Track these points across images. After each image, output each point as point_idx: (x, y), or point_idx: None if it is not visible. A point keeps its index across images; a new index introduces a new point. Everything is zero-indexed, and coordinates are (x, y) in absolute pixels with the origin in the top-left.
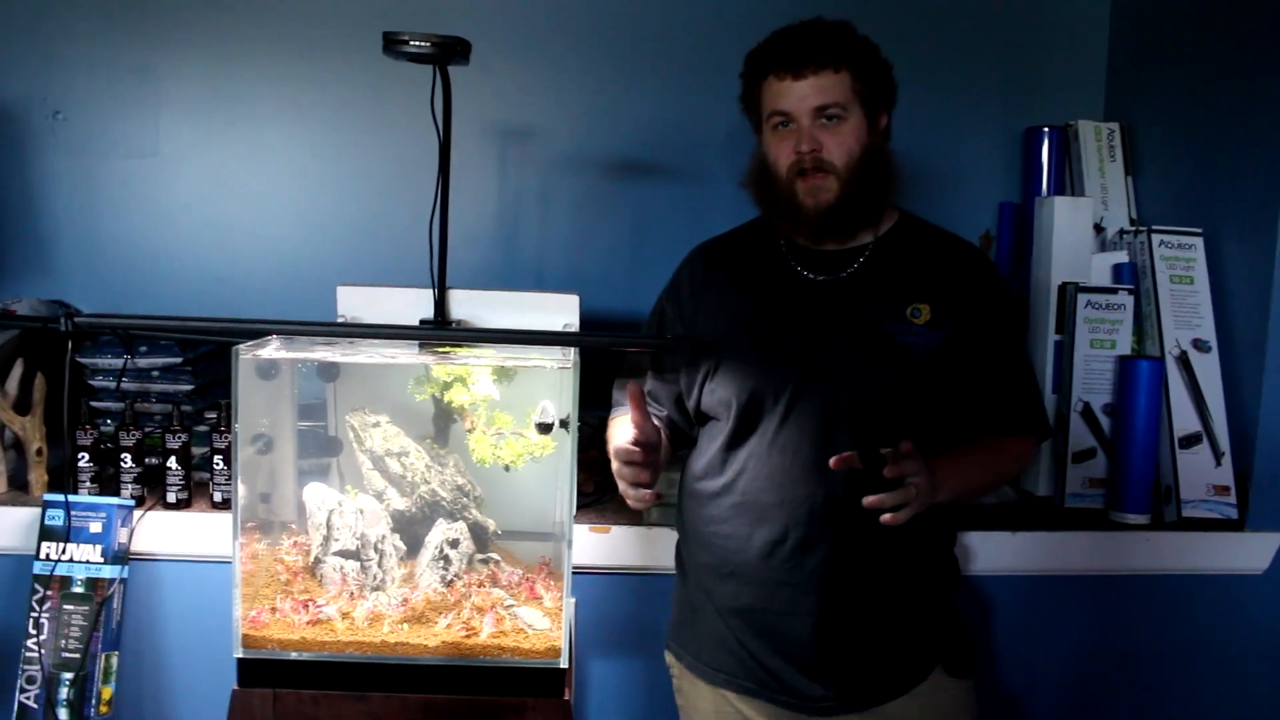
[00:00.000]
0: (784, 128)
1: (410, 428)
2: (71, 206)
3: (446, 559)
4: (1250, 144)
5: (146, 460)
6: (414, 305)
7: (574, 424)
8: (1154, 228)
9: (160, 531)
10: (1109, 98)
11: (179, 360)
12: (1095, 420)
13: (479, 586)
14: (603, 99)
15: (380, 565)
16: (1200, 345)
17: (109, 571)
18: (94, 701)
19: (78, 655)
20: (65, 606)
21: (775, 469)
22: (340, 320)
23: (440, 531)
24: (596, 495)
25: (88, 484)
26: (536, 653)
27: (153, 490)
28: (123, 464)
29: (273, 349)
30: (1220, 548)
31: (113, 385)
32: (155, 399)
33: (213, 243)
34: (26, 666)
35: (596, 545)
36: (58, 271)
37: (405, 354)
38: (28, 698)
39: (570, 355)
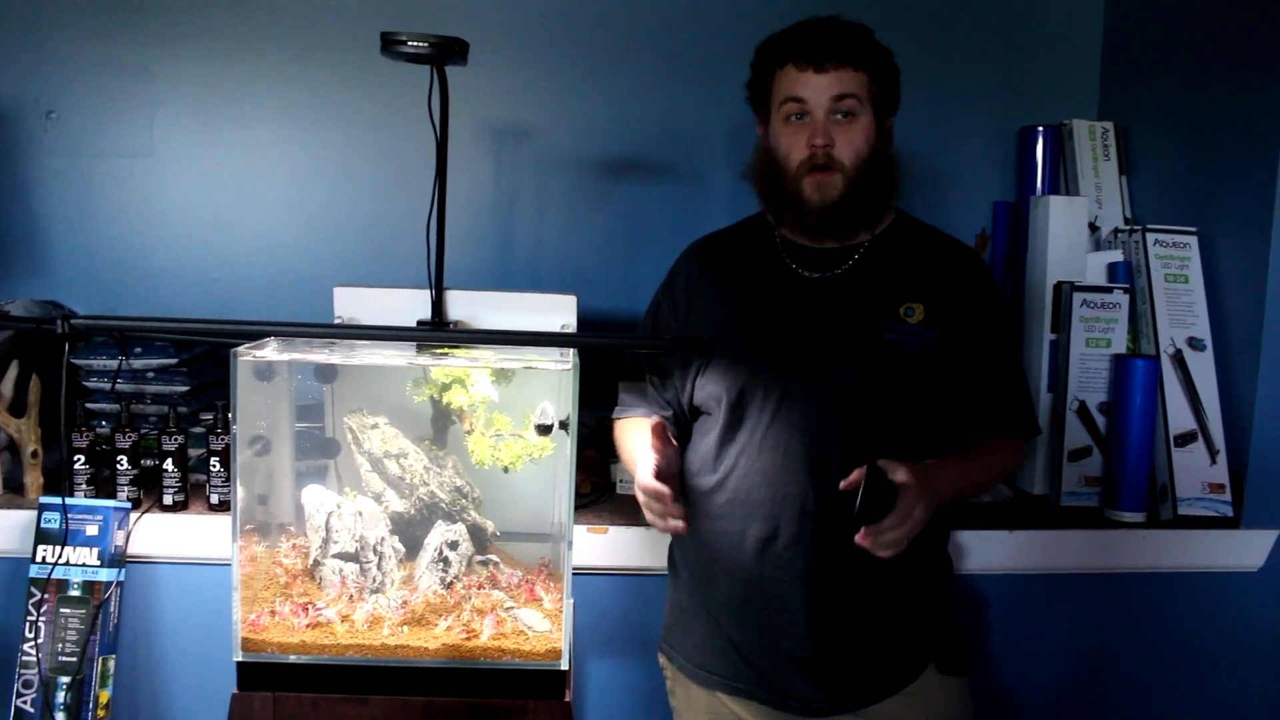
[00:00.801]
0: (797, 120)
1: (409, 429)
2: (66, 206)
3: (446, 561)
4: (1244, 143)
5: (143, 462)
6: (411, 306)
7: (574, 425)
8: (1148, 227)
9: (157, 534)
10: (1103, 97)
11: (174, 361)
12: (1091, 419)
13: (479, 588)
14: (599, 99)
15: (379, 567)
16: (1195, 344)
17: (106, 574)
18: (91, 705)
19: (75, 659)
20: (62, 610)
21: (767, 465)
22: (338, 321)
23: (439, 533)
24: (594, 496)
25: (84, 486)
26: (537, 654)
27: (149, 492)
28: (119, 466)
29: (271, 350)
30: (1215, 545)
31: (107, 387)
32: (151, 400)
33: (208, 243)
34: (23, 670)
35: (594, 546)
36: (52, 272)
37: (403, 355)
38: (25, 702)
39: (569, 356)
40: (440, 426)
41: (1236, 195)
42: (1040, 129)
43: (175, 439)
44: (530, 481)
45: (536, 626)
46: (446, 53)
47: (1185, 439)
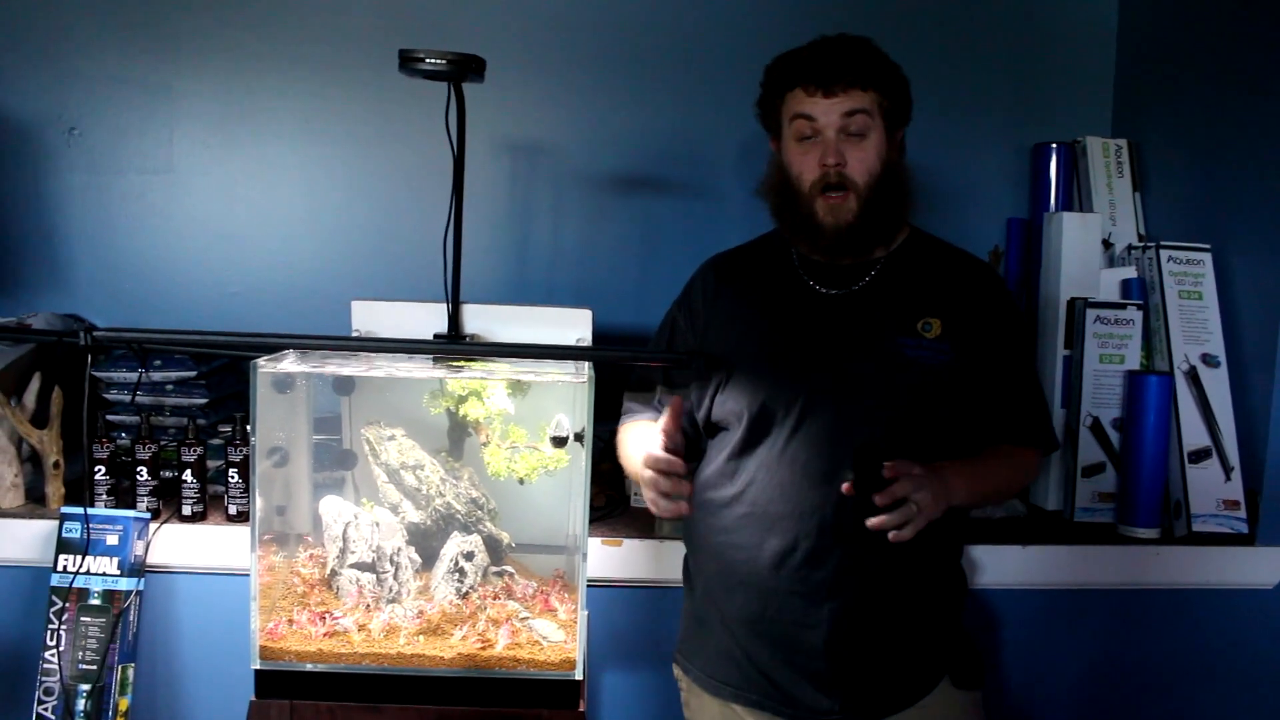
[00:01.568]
0: (808, 140)
1: (425, 441)
2: (86, 222)
3: (461, 571)
4: (1258, 159)
5: (162, 473)
6: (428, 320)
7: (589, 438)
8: (1162, 243)
9: (176, 544)
10: (1116, 114)
11: (193, 374)
12: (1104, 435)
13: (494, 599)
14: (614, 114)
15: (396, 577)
16: (1209, 360)
17: (126, 584)
18: (111, 713)
19: (95, 667)
20: (82, 618)
21: (785, 480)
22: (355, 334)
23: (455, 544)
24: (608, 509)
25: (104, 497)
26: (551, 664)
27: (168, 503)
28: (139, 477)
29: (289, 363)
30: (1230, 562)
31: (127, 399)
32: (170, 412)
33: (226, 257)
34: (44, 678)
35: (609, 558)
36: (73, 286)
37: (420, 368)
38: (45, 709)
39: (584, 370)
40: (456, 438)
41: (1250, 212)
42: (1054, 146)
43: (194, 450)
44: (545, 494)
45: (551, 637)
46: (464, 70)
47: (1199, 455)
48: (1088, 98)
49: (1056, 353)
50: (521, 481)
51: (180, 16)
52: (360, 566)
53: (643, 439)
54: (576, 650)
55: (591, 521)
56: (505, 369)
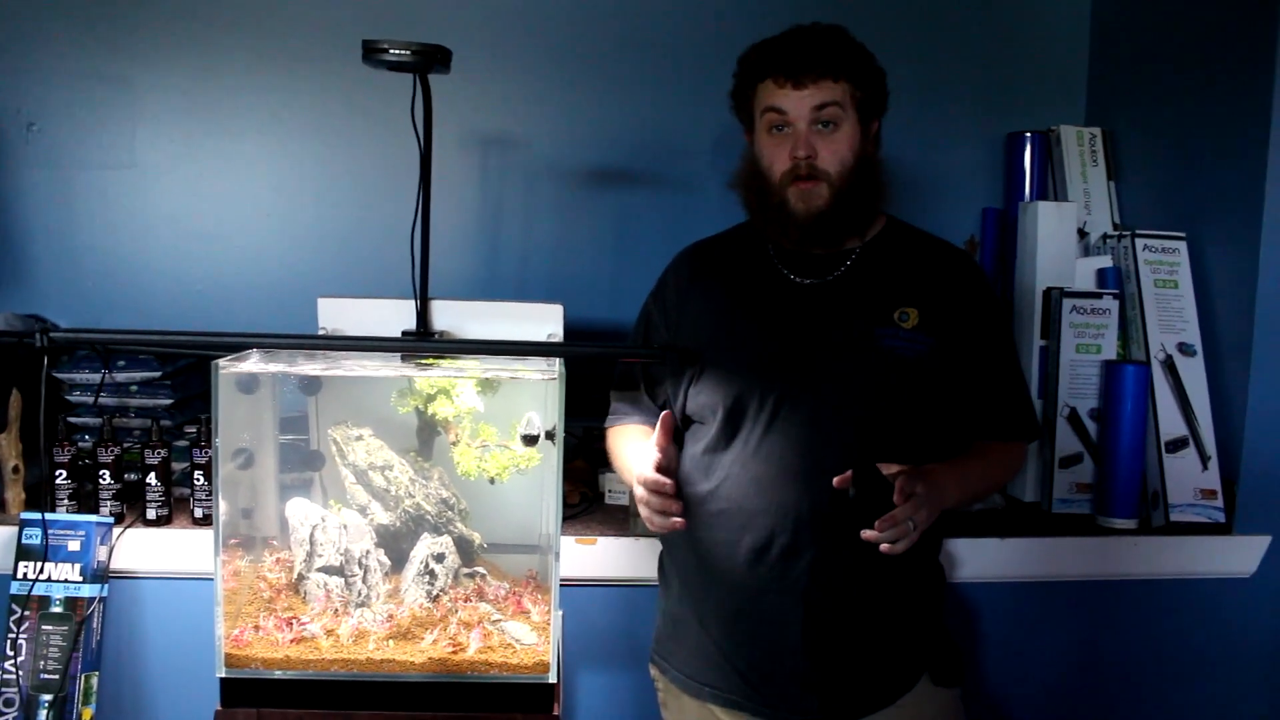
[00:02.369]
0: (779, 131)
1: (394, 441)
2: (47, 219)
3: (432, 574)
4: (1232, 147)
5: (125, 476)
6: (396, 317)
7: (560, 435)
8: (1137, 232)
9: (140, 549)
10: (1090, 103)
11: (157, 374)
12: (1082, 425)
13: (465, 601)
14: (585, 106)
15: (365, 581)
16: (1185, 349)
17: (88, 590)
18: None
19: (57, 676)
20: (44, 627)
21: (761, 474)
22: (321, 332)
23: (425, 546)
24: (583, 506)
25: (66, 501)
26: (525, 668)
27: (132, 507)
28: (101, 480)
29: (253, 363)
30: (1208, 551)
31: (90, 400)
32: (134, 414)
33: (191, 254)
34: (4, 689)
35: (583, 557)
36: (34, 285)
37: (388, 366)
38: None
39: (555, 366)
40: (426, 438)
41: (1225, 200)
42: (1028, 135)
43: (158, 453)
44: (517, 493)
45: (524, 639)
46: (429, 60)
47: (1177, 445)
48: (1062, 86)
49: (1033, 343)
50: (492, 481)
51: (140, 8)
52: (328, 570)
53: (637, 452)
54: (550, 653)
55: (565, 520)
56: (475, 366)
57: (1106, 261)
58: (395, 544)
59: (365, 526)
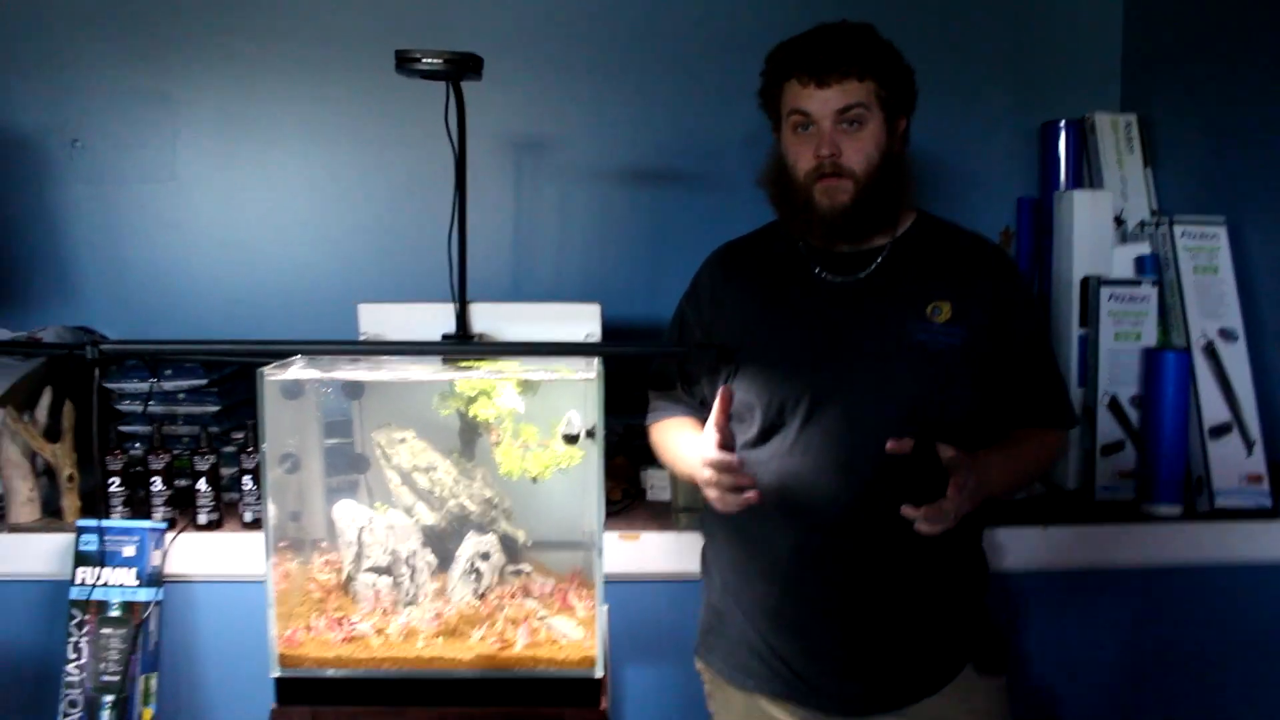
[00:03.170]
0: (804, 130)
1: (437, 442)
2: (92, 233)
3: (478, 572)
4: (1270, 130)
5: (176, 482)
6: (435, 320)
7: (600, 434)
8: (1175, 218)
9: (193, 553)
10: (1125, 89)
11: (204, 382)
12: (1123, 413)
13: (511, 598)
14: (617, 107)
15: (412, 580)
16: (1227, 335)
17: (144, 594)
18: None
19: (117, 678)
20: (103, 630)
21: (800, 469)
22: (363, 338)
23: (471, 544)
24: (625, 503)
25: (119, 508)
26: (571, 663)
27: (184, 512)
28: (153, 487)
29: (297, 369)
30: (1255, 537)
31: (140, 409)
32: (182, 421)
33: (233, 264)
34: (68, 691)
35: (626, 553)
36: (81, 298)
37: (429, 369)
38: None
39: (594, 365)
40: (468, 439)
41: (1264, 183)
42: (1062, 123)
43: (208, 459)
44: (560, 491)
45: (570, 635)
46: (461, 68)
47: (1220, 430)
48: (1095, 73)
49: (1072, 332)
50: (535, 480)
51: (178, 25)
52: (376, 570)
53: (691, 439)
54: (596, 647)
55: (607, 516)
56: (514, 367)
57: (1145, 248)
58: (441, 543)
59: (412, 527)
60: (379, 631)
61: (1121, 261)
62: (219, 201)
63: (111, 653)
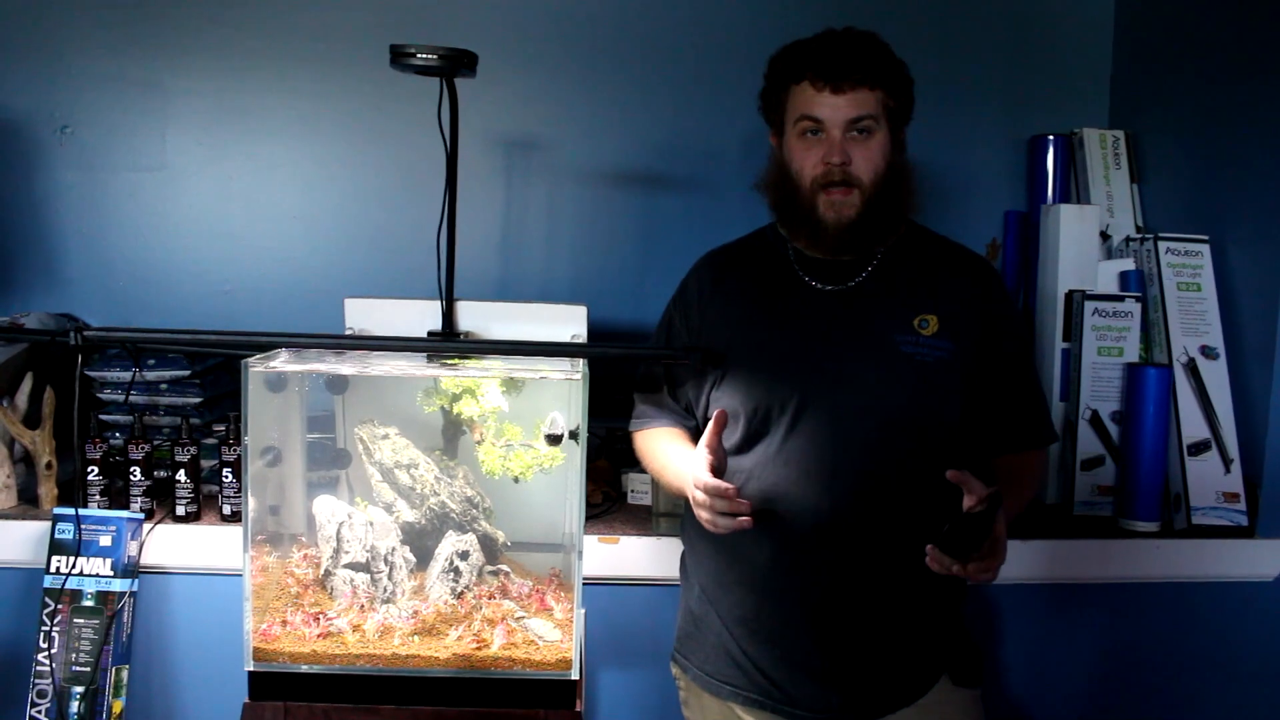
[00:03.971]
0: (812, 135)
1: (419, 440)
2: (79, 220)
3: (456, 571)
4: (1257, 150)
5: (155, 473)
6: (422, 317)
7: (583, 435)
8: (1160, 235)
9: (170, 544)
10: (1114, 105)
11: (187, 373)
12: (1104, 428)
13: (489, 598)
14: (610, 109)
15: (390, 577)
16: (1208, 352)
17: (119, 585)
18: (105, 715)
19: (88, 669)
20: (76, 620)
21: (781, 478)
22: (348, 332)
23: (450, 543)
24: (605, 506)
25: (97, 497)
26: (548, 664)
27: (162, 503)
28: (132, 477)
29: (281, 362)
30: (1230, 554)
31: (121, 398)
32: (164, 412)
33: (220, 255)
34: (38, 680)
35: (605, 556)
36: (66, 285)
37: (414, 366)
38: (39, 711)
39: (579, 366)
40: (451, 437)
41: (1249, 203)
42: (1050, 138)
43: (188, 450)
44: (541, 491)
45: (547, 636)
46: (456, 65)
47: (1199, 448)
48: (1084, 89)
49: (1055, 346)
50: (516, 480)
51: (171, 13)
52: (354, 566)
53: (682, 455)
54: (573, 649)
55: (588, 519)
56: (499, 366)
57: (1129, 264)
58: (420, 541)
59: (391, 524)
60: (355, 628)
61: (1106, 276)
62: (208, 192)
63: (84, 643)
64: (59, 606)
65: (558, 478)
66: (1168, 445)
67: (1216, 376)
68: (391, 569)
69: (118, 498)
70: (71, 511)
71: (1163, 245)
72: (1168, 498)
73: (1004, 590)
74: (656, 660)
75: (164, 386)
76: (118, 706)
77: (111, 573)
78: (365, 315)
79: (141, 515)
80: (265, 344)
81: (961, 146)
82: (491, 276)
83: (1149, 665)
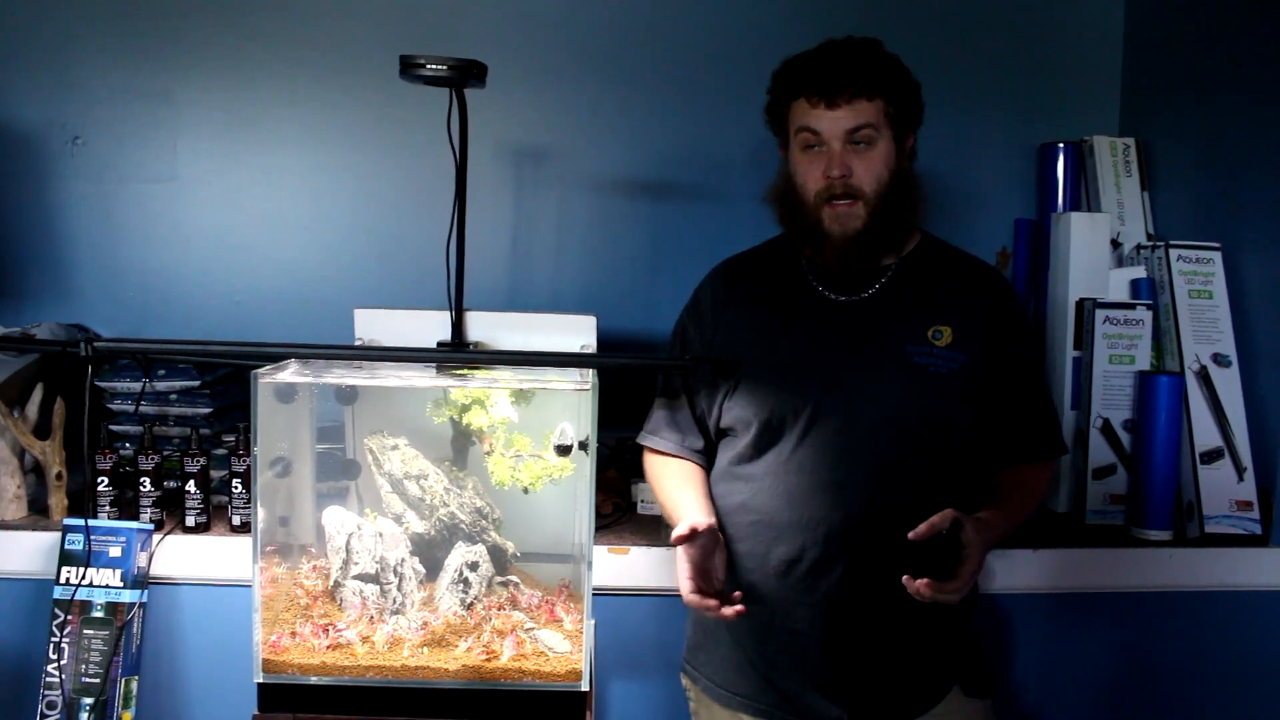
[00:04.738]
0: (813, 149)
1: (429, 450)
2: (90, 231)
3: (466, 582)
4: (1267, 156)
5: (165, 484)
6: (431, 327)
7: (593, 446)
8: (1171, 242)
9: (179, 555)
10: (1124, 113)
11: (196, 383)
12: (1115, 436)
13: (499, 609)
14: (619, 118)
15: (400, 588)
16: (1220, 360)
17: (129, 596)
18: None
19: (98, 680)
20: (85, 631)
21: (793, 487)
22: (358, 343)
23: (459, 554)
24: (615, 516)
25: (107, 508)
26: (557, 675)
27: (172, 514)
28: (142, 488)
29: (291, 373)
30: (1244, 563)
31: (131, 409)
32: (173, 422)
33: (230, 266)
34: (47, 691)
35: (615, 566)
36: (77, 295)
37: (423, 376)
38: None
39: (588, 377)
40: (460, 447)
41: (1260, 209)
42: (1061, 146)
43: (197, 461)
44: (550, 502)
45: (557, 647)
46: (465, 75)
47: (1211, 456)
48: (1095, 97)
49: (1066, 354)
50: (526, 490)
51: (182, 24)
52: (364, 578)
53: (685, 505)
54: (583, 661)
55: (597, 529)
56: (509, 377)
57: (1140, 272)
58: (430, 552)
59: (400, 535)
60: (365, 639)
61: (1117, 284)
62: (218, 202)
63: (93, 654)
64: (69, 617)
65: (567, 488)
66: (1180, 454)
67: (1229, 384)
68: (401, 580)
69: (127, 508)
70: (82, 522)
71: (1174, 253)
72: (1180, 506)
73: (1015, 600)
74: (667, 671)
75: (174, 397)
76: (127, 717)
77: (121, 584)
78: (375, 326)
79: (151, 526)
80: (275, 354)
81: (972, 154)
82: (501, 287)
83: (1161, 675)
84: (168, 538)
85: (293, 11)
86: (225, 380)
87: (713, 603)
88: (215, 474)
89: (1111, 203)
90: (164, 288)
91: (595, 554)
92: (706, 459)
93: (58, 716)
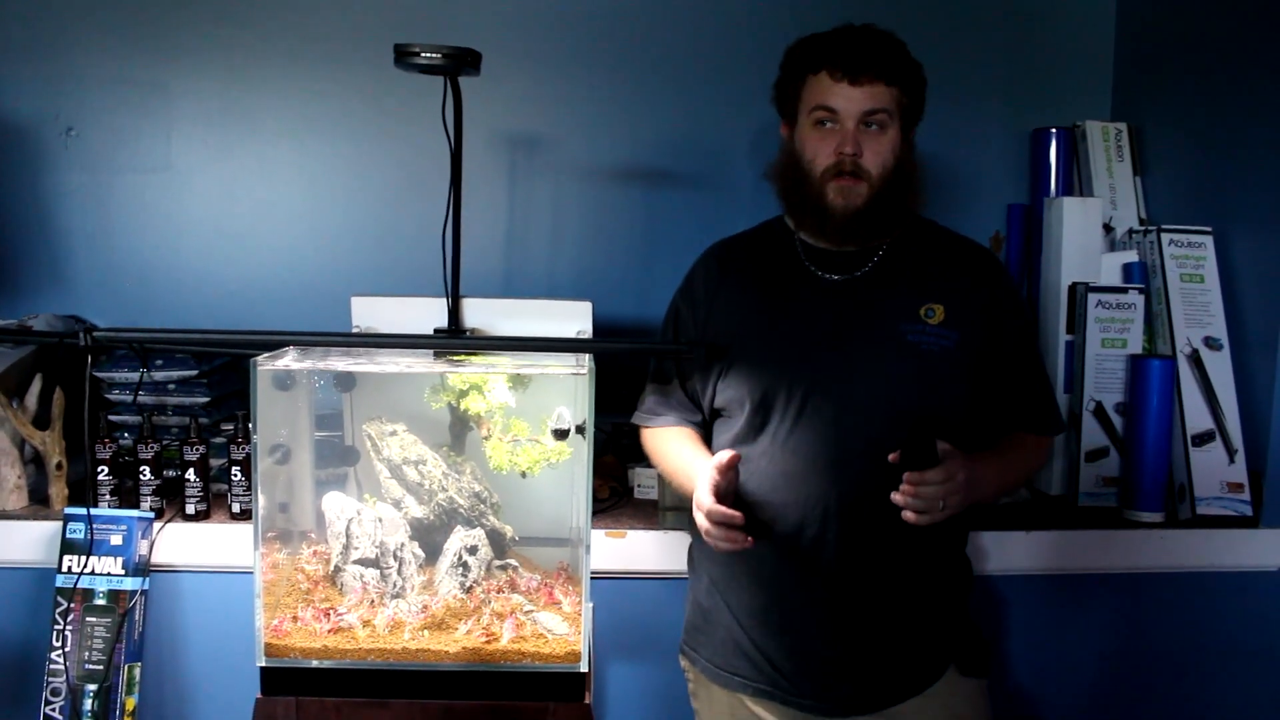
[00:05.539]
0: (826, 126)
1: (427, 436)
2: (85, 222)
3: (465, 565)
4: (1259, 141)
5: (165, 472)
6: (428, 314)
7: (590, 430)
8: (1163, 227)
9: (180, 543)
10: (1116, 98)
11: (194, 373)
12: (1108, 419)
13: (498, 592)
14: (614, 106)
15: (400, 573)
16: (1211, 343)
17: (130, 583)
18: (118, 713)
19: (101, 667)
20: (88, 619)
21: (788, 467)
22: (355, 330)
23: (458, 538)
24: (612, 500)
25: (107, 497)
26: (556, 657)
27: (172, 502)
28: (142, 477)
29: (289, 360)
30: (1234, 545)
31: (129, 399)
32: (172, 411)
33: (226, 255)
34: (51, 679)
35: (613, 550)
36: (73, 287)
37: (421, 363)
38: (53, 709)
39: (585, 362)
40: (458, 433)
41: (1252, 194)
42: (1053, 131)
43: (197, 449)
44: (548, 486)
45: (556, 629)
46: (460, 63)
47: (1203, 439)
48: (1087, 82)
49: (1059, 338)
50: (524, 475)
51: (176, 14)
52: (364, 562)
53: (692, 461)
54: (581, 642)
55: (595, 513)
56: (506, 362)
57: (1132, 256)
58: (429, 537)
59: (400, 520)
60: (365, 623)
61: (1109, 269)
62: (213, 192)
63: (96, 641)
64: (71, 605)
65: (565, 473)
66: (1171, 436)
67: (1220, 367)
68: (401, 564)
69: (128, 497)
70: (83, 511)
71: (1166, 237)
72: (1172, 489)
73: (1009, 581)
74: (665, 652)
75: (172, 386)
76: (131, 704)
77: (123, 571)
78: (372, 313)
79: (152, 514)
80: (272, 343)
81: (964, 140)
82: (497, 273)
83: (1153, 655)
84: (168, 525)
85: (286, 1)
86: (222, 369)
87: (736, 514)
88: (214, 462)
89: (1104, 187)
90: (159, 278)
91: (593, 537)
92: (704, 431)
93: (62, 703)
